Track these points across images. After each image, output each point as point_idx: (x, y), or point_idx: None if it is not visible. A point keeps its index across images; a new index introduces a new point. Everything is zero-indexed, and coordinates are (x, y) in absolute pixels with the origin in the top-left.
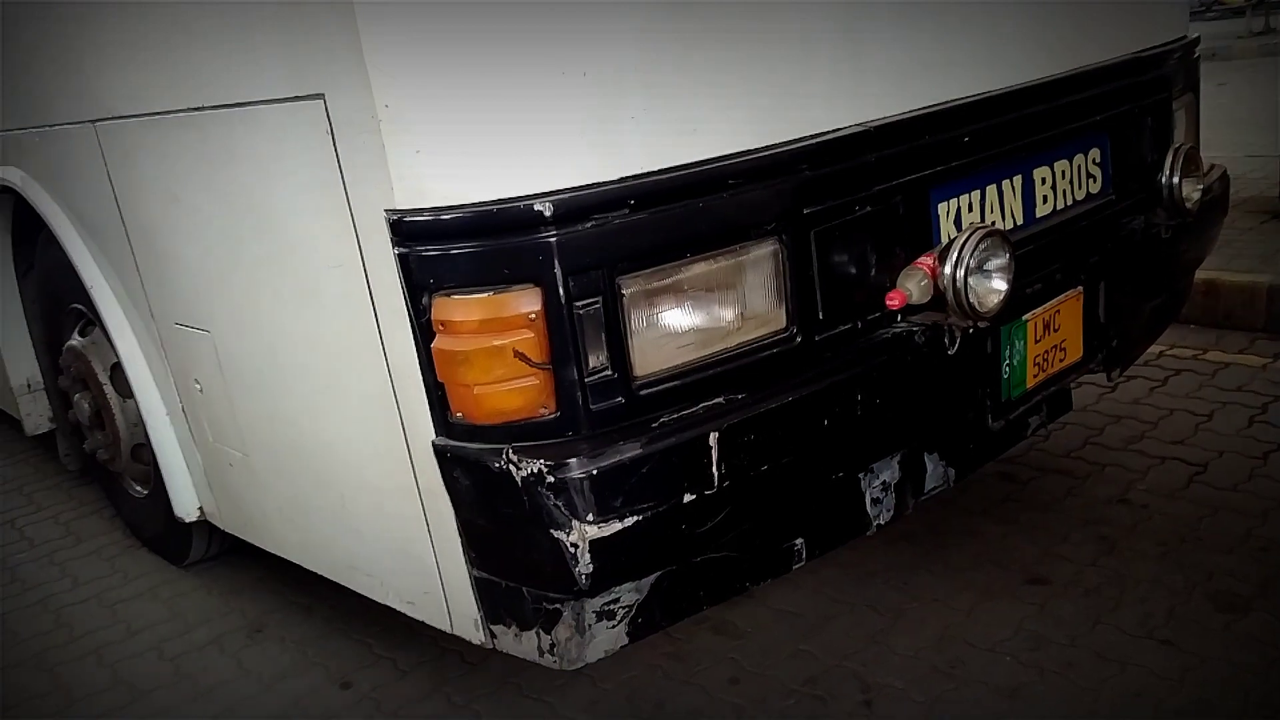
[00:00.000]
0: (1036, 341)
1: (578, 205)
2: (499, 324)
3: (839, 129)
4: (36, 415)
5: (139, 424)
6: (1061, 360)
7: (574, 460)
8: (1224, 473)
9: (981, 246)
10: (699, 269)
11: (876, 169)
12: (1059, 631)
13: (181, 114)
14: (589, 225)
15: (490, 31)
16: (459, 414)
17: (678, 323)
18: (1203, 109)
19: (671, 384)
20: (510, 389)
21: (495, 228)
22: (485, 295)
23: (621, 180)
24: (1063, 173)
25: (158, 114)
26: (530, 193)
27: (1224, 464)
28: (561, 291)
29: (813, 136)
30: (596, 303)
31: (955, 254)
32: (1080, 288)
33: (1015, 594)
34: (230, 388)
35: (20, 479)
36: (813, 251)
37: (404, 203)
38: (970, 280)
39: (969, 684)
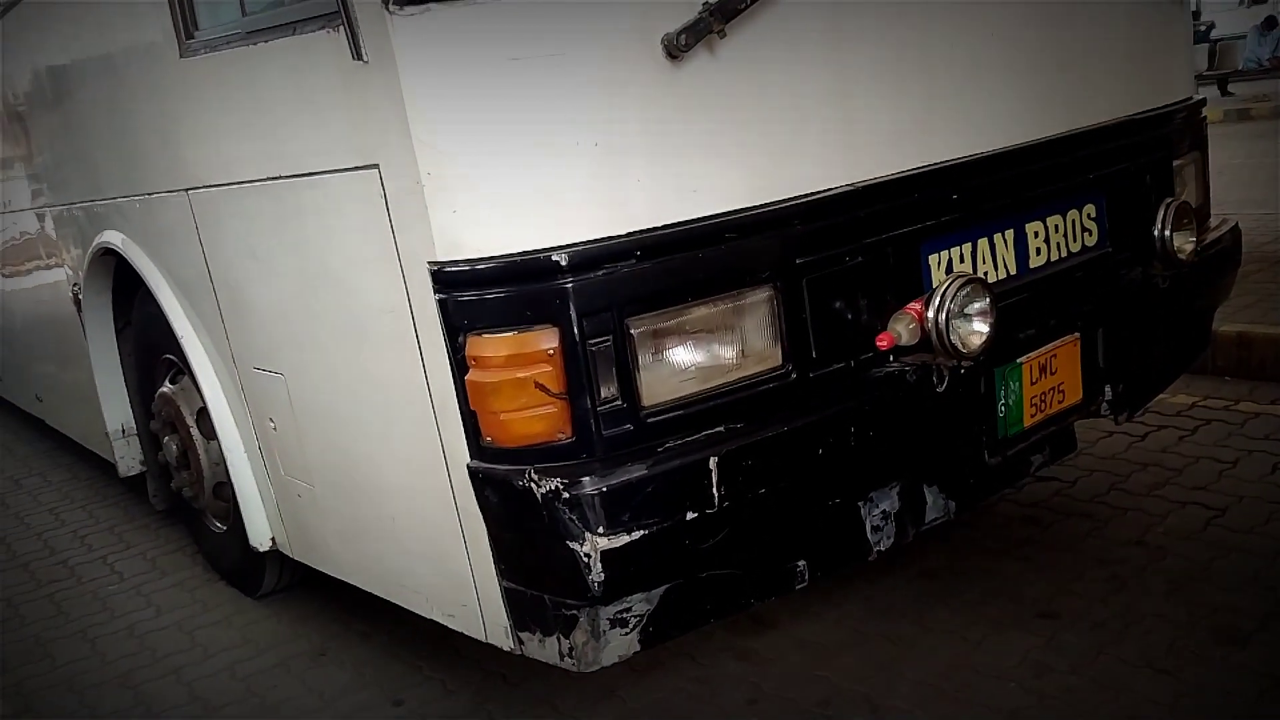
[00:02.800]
0: (1033, 383)
1: (590, 256)
2: (523, 359)
3: (830, 188)
4: (129, 458)
5: (220, 463)
6: (1060, 402)
7: (587, 479)
8: (1242, 517)
9: (962, 293)
10: (700, 312)
11: (866, 224)
12: (1063, 661)
13: (261, 182)
14: (600, 273)
15: (514, 111)
16: (489, 439)
17: (681, 359)
18: (1255, 166)
19: (676, 413)
20: (532, 416)
21: (519, 276)
22: (511, 334)
23: (629, 234)
24: (1055, 227)
25: (241, 183)
26: (549, 245)
27: (1243, 508)
28: (576, 331)
29: (804, 195)
30: (608, 341)
31: (937, 299)
32: (1077, 334)
33: (1025, 626)
34: (300, 424)
35: (112, 520)
36: (805, 297)
37: (443, 255)
38: (952, 323)
39: (972, 706)
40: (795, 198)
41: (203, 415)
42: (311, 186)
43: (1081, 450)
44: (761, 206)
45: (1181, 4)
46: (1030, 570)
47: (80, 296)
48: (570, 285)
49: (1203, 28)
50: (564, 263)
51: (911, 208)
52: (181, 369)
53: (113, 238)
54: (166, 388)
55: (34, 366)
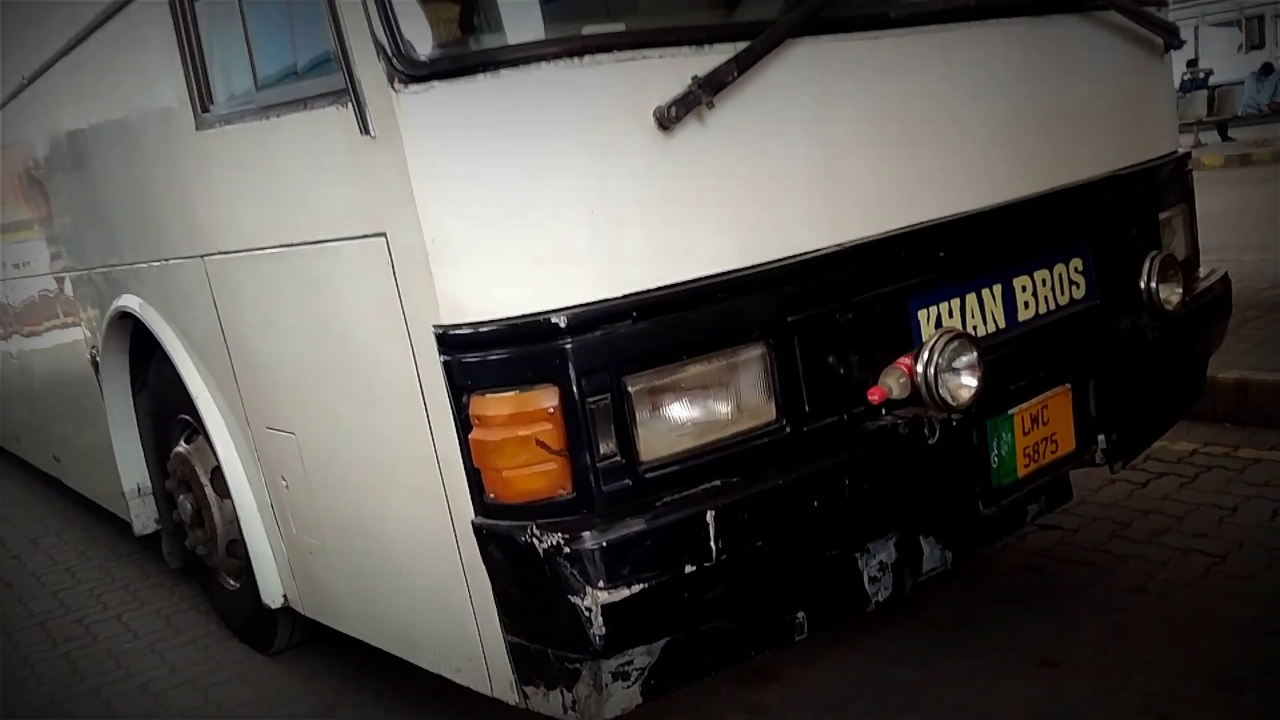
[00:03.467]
0: (1025, 434)
1: (588, 318)
2: (524, 417)
3: (818, 249)
4: (144, 517)
5: (233, 521)
6: (1054, 452)
7: (587, 534)
8: (1242, 563)
9: (949, 347)
10: (695, 369)
11: (854, 283)
12: (1064, 708)
13: (275, 249)
14: (598, 334)
15: (513, 181)
16: (492, 495)
17: (678, 415)
18: (1256, 211)
19: (673, 468)
20: (533, 472)
21: (520, 337)
22: (512, 393)
23: (625, 296)
24: (1043, 281)
25: (255, 250)
26: (548, 308)
27: (1243, 555)
28: (575, 389)
29: (794, 256)
30: (606, 399)
31: (925, 354)
32: (1068, 385)
33: (1029, 675)
34: (311, 482)
35: (127, 578)
36: (797, 354)
37: (447, 319)
38: (941, 377)
39: None
40: (785, 258)
41: (217, 474)
42: (322, 253)
43: (1083, 498)
44: (752, 267)
45: (1162, 60)
46: (1033, 618)
47: (98, 359)
48: (569, 346)
49: (1202, 74)
50: (562, 324)
51: (899, 266)
52: (196, 429)
53: (130, 302)
54: (182, 447)
55: (52, 427)
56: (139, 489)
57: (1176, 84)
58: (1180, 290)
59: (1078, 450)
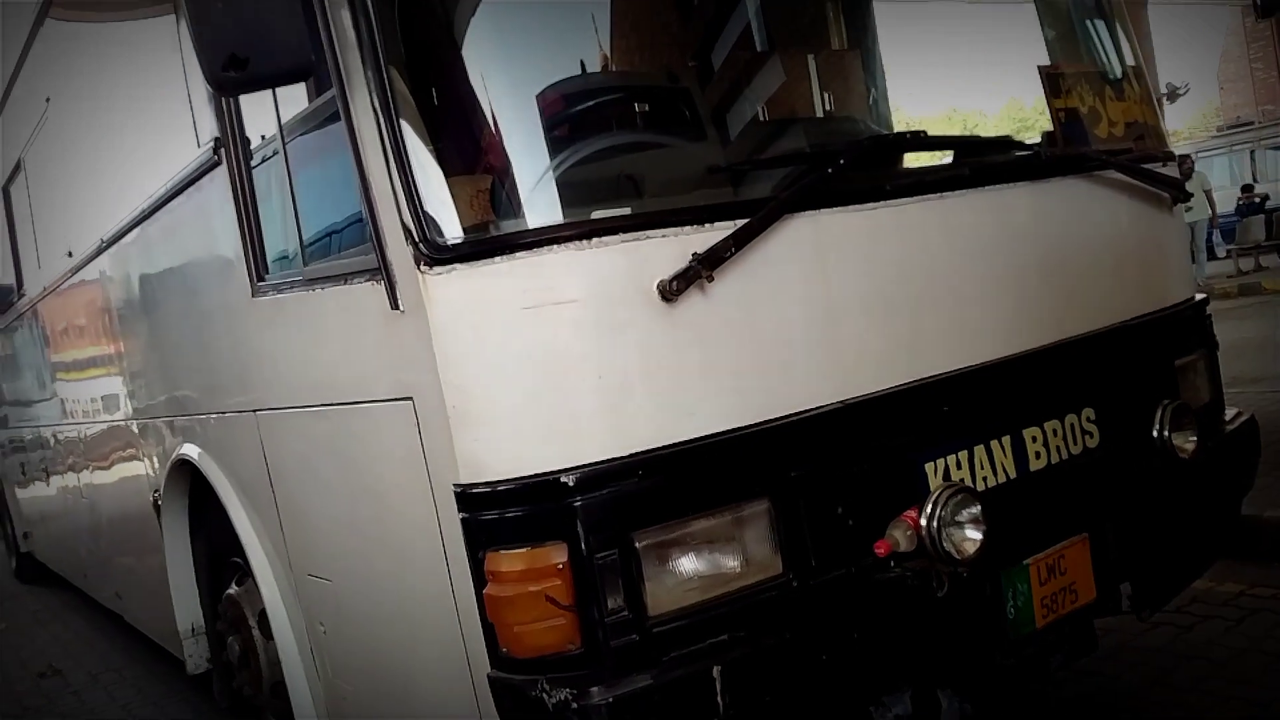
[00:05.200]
0: (1042, 584)
1: (595, 476)
2: (534, 574)
3: (820, 406)
4: (197, 656)
5: (277, 663)
6: (1074, 602)
7: (595, 690)
8: None
9: (953, 501)
10: (700, 525)
11: (857, 438)
12: None
13: (317, 407)
14: (605, 492)
15: (527, 351)
16: (505, 649)
17: (684, 570)
18: None
19: (680, 622)
20: (544, 628)
21: (531, 496)
22: (524, 550)
23: (631, 455)
24: (1054, 431)
25: (300, 407)
26: (558, 468)
27: None
28: (584, 546)
29: (796, 413)
30: (613, 554)
31: (929, 508)
32: (1085, 534)
33: None
34: (345, 630)
35: (181, 716)
36: (802, 508)
37: (466, 478)
38: (945, 530)
39: None
40: (787, 415)
41: (263, 617)
42: (358, 413)
43: (1124, 643)
44: (755, 425)
45: (1171, 211)
46: None
47: (160, 502)
48: (576, 504)
49: (1258, 199)
50: (570, 483)
51: (902, 420)
52: (247, 573)
53: (190, 450)
54: (233, 590)
55: (115, 565)
56: (193, 629)
57: (1232, 208)
58: (1194, 438)
59: (1100, 599)
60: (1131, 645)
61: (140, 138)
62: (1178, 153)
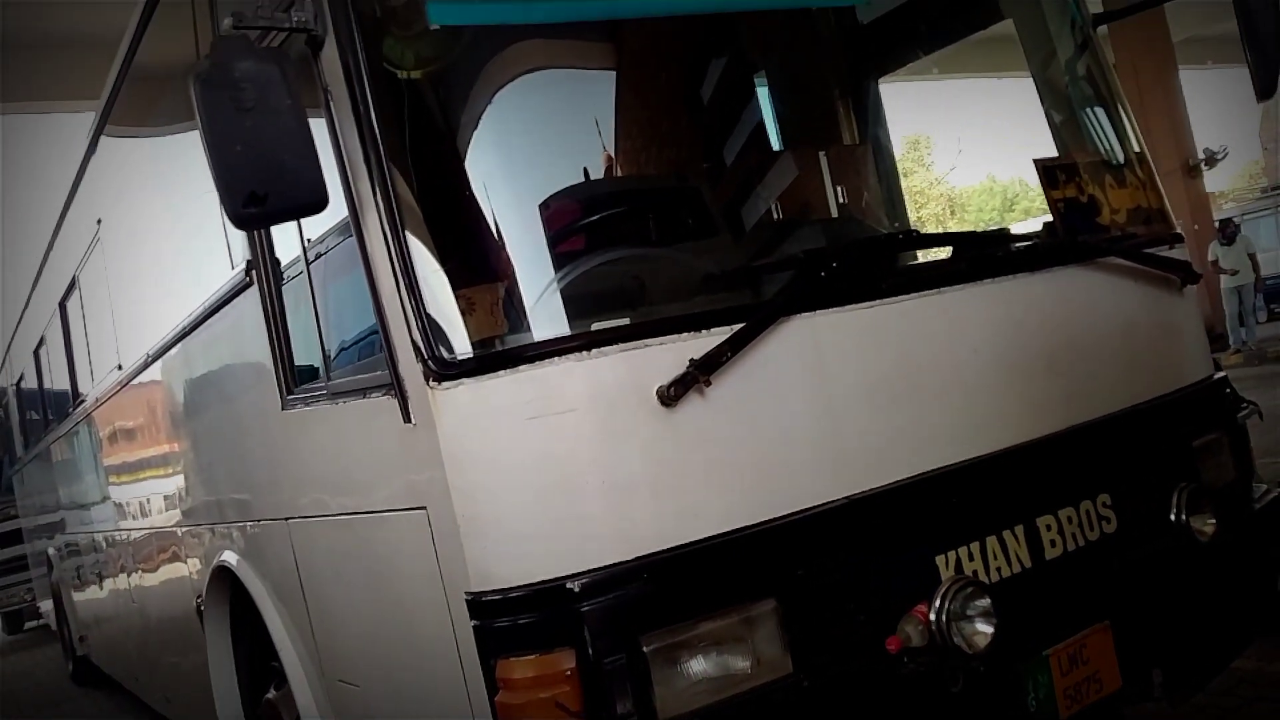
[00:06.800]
0: (1064, 674)
1: (601, 581)
2: (544, 680)
3: (823, 502)
4: None
5: None
6: (1099, 691)
7: None
8: None
9: (962, 594)
10: (708, 626)
11: (863, 534)
12: None
13: (343, 516)
14: (611, 596)
15: (533, 460)
16: None
17: (694, 672)
18: None
19: None
20: None
21: (539, 603)
22: (534, 657)
23: (637, 559)
24: (1069, 518)
25: (327, 516)
26: (564, 574)
27: None
28: (591, 652)
29: (799, 511)
30: (621, 659)
31: (937, 602)
32: (1107, 621)
33: None
34: None
35: None
36: (810, 605)
37: (476, 586)
38: (955, 625)
39: None
40: (792, 514)
41: None
42: (378, 522)
43: None
44: (760, 524)
45: (1182, 292)
46: None
47: (202, 608)
48: (583, 609)
49: None
50: (576, 589)
51: (910, 514)
52: (284, 678)
53: (230, 558)
54: (271, 694)
55: (163, 668)
56: None
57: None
58: (1213, 521)
59: (1127, 688)
60: None
61: (181, 258)
62: (1221, 216)
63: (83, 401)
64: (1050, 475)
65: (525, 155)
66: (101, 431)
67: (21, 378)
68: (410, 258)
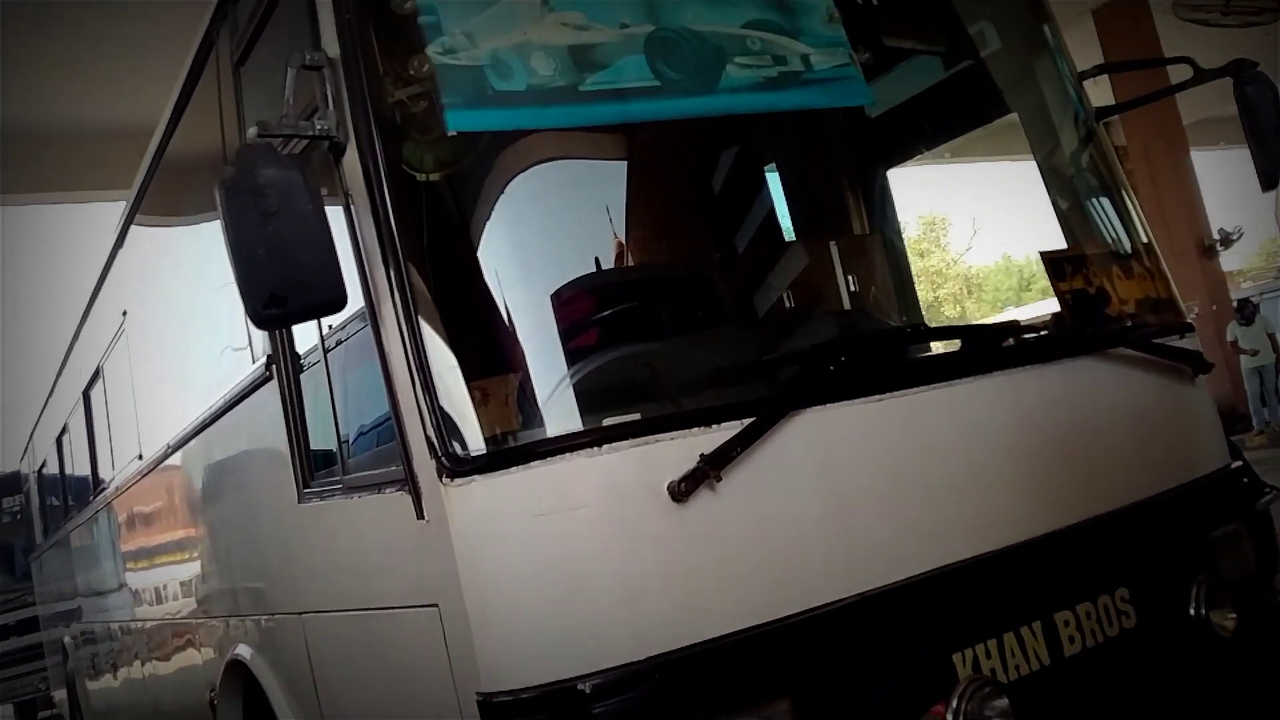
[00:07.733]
0: None
1: (612, 682)
2: None
3: (836, 600)
4: None
5: None
6: None
7: None
8: None
9: (978, 695)
10: None
11: (877, 632)
12: None
13: (356, 612)
14: (623, 698)
15: (544, 556)
16: None
17: None
18: None
19: None
20: None
21: (551, 705)
22: None
23: (648, 659)
24: (1087, 614)
25: (342, 611)
26: (576, 674)
27: None
28: None
29: (812, 609)
30: None
31: (955, 703)
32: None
33: None
34: None
35: None
36: (825, 706)
37: (488, 686)
38: None
39: None
40: (804, 611)
41: None
42: (390, 619)
43: None
44: (772, 622)
45: (1194, 382)
46: None
47: (215, 702)
48: (595, 712)
49: None
50: (588, 690)
51: (924, 610)
52: None
53: (243, 651)
54: None
55: None
56: None
57: None
58: (1233, 615)
59: None
60: None
61: (203, 350)
62: (1239, 295)
63: (103, 489)
64: (1067, 569)
65: (539, 251)
66: (120, 520)
67: (44, 464)
68: (426, 358)
